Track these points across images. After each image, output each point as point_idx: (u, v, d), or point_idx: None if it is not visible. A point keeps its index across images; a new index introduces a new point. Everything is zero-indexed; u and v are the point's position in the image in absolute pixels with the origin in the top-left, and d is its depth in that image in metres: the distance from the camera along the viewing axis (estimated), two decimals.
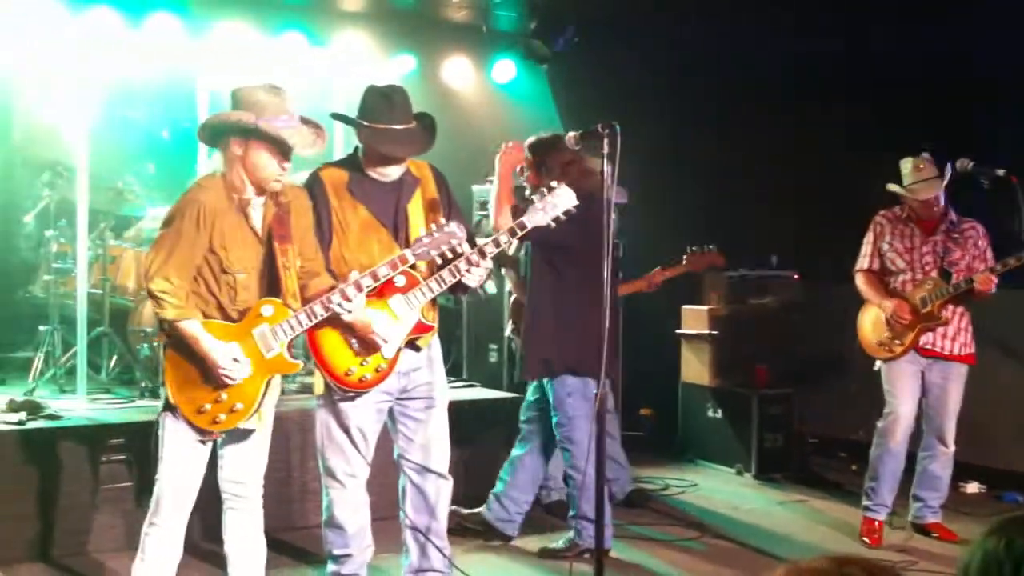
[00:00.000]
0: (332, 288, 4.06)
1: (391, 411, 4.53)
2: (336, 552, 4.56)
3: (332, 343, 4.25)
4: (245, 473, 4.10)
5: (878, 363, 5.95)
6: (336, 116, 4.67)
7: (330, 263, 4.29)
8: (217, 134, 3.96)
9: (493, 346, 7.17)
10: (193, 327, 3.85)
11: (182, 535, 4.05)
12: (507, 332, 6.54)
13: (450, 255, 4.19)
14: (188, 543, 4.15)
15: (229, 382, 3.86)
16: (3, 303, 7.16)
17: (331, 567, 4.60)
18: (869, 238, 6.02)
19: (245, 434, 4.05)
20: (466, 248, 4.23)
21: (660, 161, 7.48)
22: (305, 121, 3.99)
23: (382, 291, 4.24)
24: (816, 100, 7.57)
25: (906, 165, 5.84)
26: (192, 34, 7.43)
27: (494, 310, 7.03)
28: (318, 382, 4.38)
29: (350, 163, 4.49)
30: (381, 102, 4.36)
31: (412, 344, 4.43)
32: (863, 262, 6.01)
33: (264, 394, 3.97)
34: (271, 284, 4.00)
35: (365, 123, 4.36)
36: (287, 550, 5.41)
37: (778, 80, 7.74)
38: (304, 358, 4.74)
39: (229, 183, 3.93)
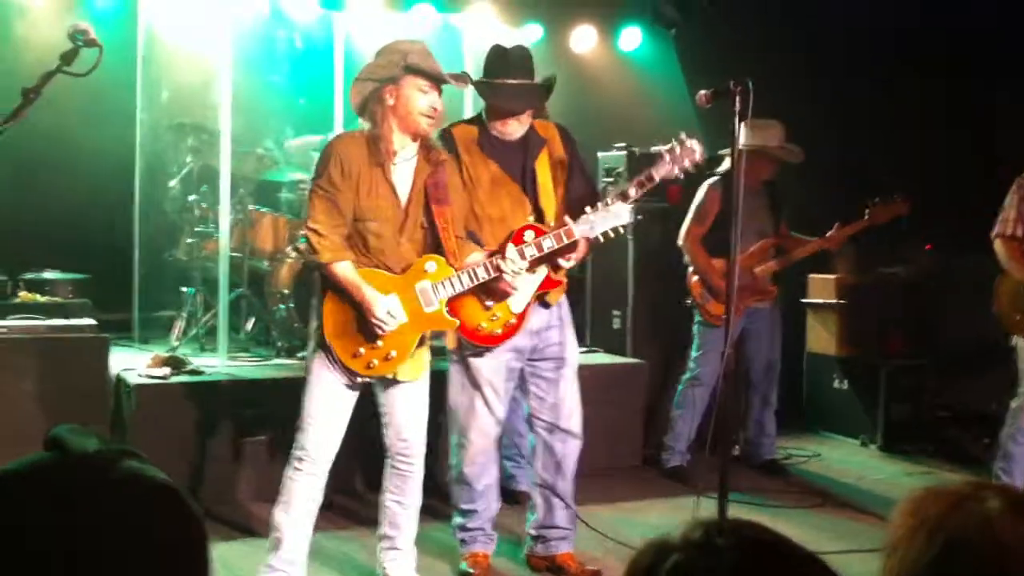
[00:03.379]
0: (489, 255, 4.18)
1: (522, 371, 4.61)
2: (463, 506, 4.67)
3: (463, 298, 4.27)
4: (410, 431, 4.19)
5: (1014, 339, 5.65)
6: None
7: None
8: (370, 91, 4.00)
9: (616, 312, 7.20)
10: (348, 272, 3.96)
11: (323, 482, 4.13)
12: (688, 301, 6.41)
13: (612, 235, 4.23)
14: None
15: (380, 332, 3.97)
16: (149, 265, 7.44)
17: (457, 519, 4.72)
18: (1012, 201, 5.55)
19: (408, 392, 4.15)
20: (625, 220, 4.23)
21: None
22: (451, 75, 4.08)
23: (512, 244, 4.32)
24: (943, 60, 7.34)
25: None
26: (327, 4, 7.60)
27: (618, 276, 7.06)
28: (451, 337, 4.49)
29: (478, 122, 4.57)
30: (498, 59, 4.46)
31: (542, 300, 4.50)
32: (1005, 227, 5.57)
33: (419, 346, 4.08)
34: (433, 244, 4.12)
35: (482, 79, 4.45)
36: None
37: (913, 43, 7.53)
38: None
39: (375, 137, 4.01)
